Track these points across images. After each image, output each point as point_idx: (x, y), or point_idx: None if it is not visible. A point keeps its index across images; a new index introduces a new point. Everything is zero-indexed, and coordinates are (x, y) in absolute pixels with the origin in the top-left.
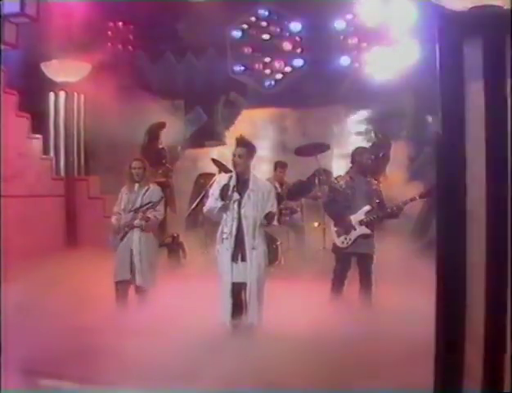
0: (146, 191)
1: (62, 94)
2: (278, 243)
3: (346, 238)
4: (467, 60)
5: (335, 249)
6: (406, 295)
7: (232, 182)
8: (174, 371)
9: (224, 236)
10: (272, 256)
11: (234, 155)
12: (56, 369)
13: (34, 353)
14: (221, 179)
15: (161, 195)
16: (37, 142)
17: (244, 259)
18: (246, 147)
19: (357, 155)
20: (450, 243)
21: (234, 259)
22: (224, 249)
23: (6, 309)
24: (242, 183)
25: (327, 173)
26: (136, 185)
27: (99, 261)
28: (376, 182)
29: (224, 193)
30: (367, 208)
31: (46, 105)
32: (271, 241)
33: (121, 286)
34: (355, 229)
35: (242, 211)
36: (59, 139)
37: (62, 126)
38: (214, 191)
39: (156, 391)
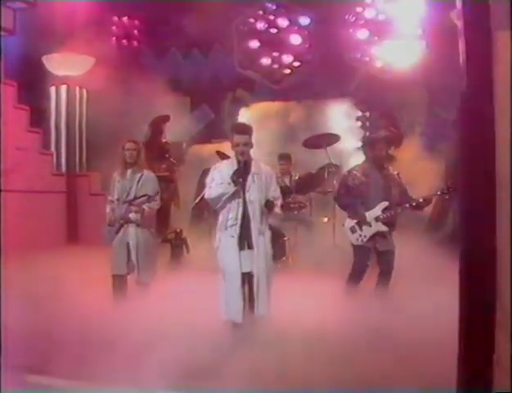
0: (140, 178)
1: (64, 88)
2: (285, 239)
3: (361, 235)
4: (493, 10)
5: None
6: (421, 291)
7: (239, 166)
8: (178, 370)
9: (229, 223)
10: (279, 252)
11: (238, 145)
12: (53, 364)
13: (33, 349)
14: (220, 166)
15: (156, 183)
16: (36, 135)
17: (250, 246)
18: (249, 134)
19: (367, 147)
20: (476, 220)
21: (241, 247)
22: (228, 236)
23: (6, 303)
24: (244, 167)
25: (337, 167)
26: (129, 171)
27: (100, 259)
28: (396, 173)
29: (236, 178)
30: (385, 204)
31: (47, 98)
32: (278, 236)
33: (118, 279)
34: (370, 226)
35: (247, 196)
36: (60, 134)
37: (64, 121)
38: (215, 177)
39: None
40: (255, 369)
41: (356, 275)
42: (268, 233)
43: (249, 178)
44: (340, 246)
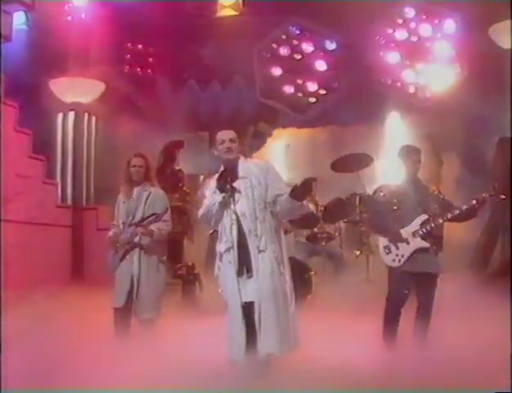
0: (148, 197)
1: (71, 114)
2: (312, 273)
3: (397, 255)
4: None
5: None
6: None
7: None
8: None
9: (224, 246)
10: (305, 288)
11: (223, 142)
12: None
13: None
14: (212, 178)
15: (166, 200)
16: (39, 163)
17: (250, 269)
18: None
19: (402, 158)
20: None
21: (240, 272)
22: (226, 262)
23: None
24: (230, 174)
25: (369, 197)
26: (135, 190)
27: (108, 299)
28: (437, 190)
29: (222, 183)
30: (424, 217)
31: (52, 123)
32: (303, 270)
33: (119, 313)
34: (408, 243)
35: (237, 209)
36: (66, 163)
37: (70, 149)
38: (208, 192)
39: None
40: None
41: (391, 307)
42: (271, 247)
43: (236, 186)
44: (374, 281)
